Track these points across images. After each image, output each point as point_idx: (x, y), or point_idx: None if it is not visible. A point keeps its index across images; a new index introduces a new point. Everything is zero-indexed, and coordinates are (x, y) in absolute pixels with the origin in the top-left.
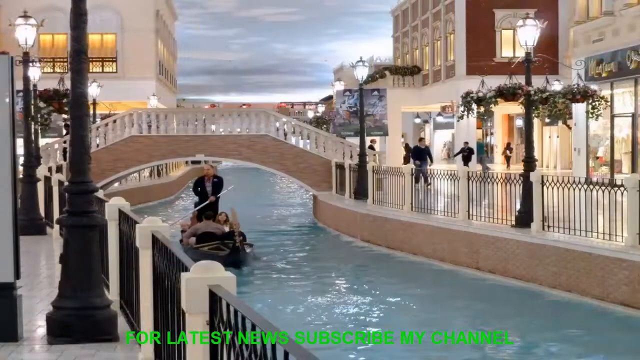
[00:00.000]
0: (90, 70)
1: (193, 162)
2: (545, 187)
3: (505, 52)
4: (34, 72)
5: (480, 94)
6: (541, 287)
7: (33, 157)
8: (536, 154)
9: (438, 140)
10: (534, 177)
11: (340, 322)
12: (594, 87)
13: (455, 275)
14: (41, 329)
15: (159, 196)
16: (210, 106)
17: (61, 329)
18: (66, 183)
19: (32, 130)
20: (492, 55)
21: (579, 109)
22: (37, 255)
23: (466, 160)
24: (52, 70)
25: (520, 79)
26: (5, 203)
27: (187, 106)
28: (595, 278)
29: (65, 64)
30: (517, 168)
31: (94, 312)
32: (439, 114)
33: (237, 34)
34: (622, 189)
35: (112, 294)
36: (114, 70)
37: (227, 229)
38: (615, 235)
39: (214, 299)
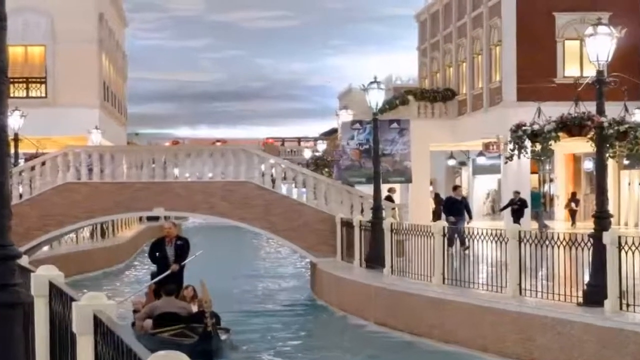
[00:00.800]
0: (11, 95)
1: (149, 219)
2: (623, 252)
3: (570, 69)
4: None
5: (536, 127)
6: None
7: None
8: (611, 207)
9: (479, 189)
10: (608, 238)
11: None
12: None
13: None
14: None
15: (104, 264)
16: (173, 143)
17: None
18: None
19: None
20: (552, 75)
21: None
22: None
23: (517, 215)
24: None
25: (590, 107)
26: None
27: (141, 143)
28: None
29: None
30: (586, 226)
31: None
32: (481, 154)
33: (207, 45)
34: None
35: None
36: (43, 95)
37: (195, 308)
38: None
39: None
